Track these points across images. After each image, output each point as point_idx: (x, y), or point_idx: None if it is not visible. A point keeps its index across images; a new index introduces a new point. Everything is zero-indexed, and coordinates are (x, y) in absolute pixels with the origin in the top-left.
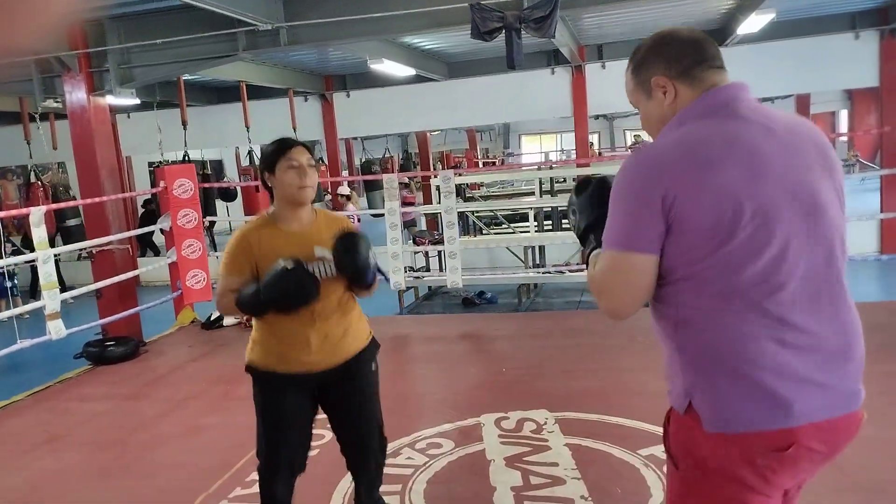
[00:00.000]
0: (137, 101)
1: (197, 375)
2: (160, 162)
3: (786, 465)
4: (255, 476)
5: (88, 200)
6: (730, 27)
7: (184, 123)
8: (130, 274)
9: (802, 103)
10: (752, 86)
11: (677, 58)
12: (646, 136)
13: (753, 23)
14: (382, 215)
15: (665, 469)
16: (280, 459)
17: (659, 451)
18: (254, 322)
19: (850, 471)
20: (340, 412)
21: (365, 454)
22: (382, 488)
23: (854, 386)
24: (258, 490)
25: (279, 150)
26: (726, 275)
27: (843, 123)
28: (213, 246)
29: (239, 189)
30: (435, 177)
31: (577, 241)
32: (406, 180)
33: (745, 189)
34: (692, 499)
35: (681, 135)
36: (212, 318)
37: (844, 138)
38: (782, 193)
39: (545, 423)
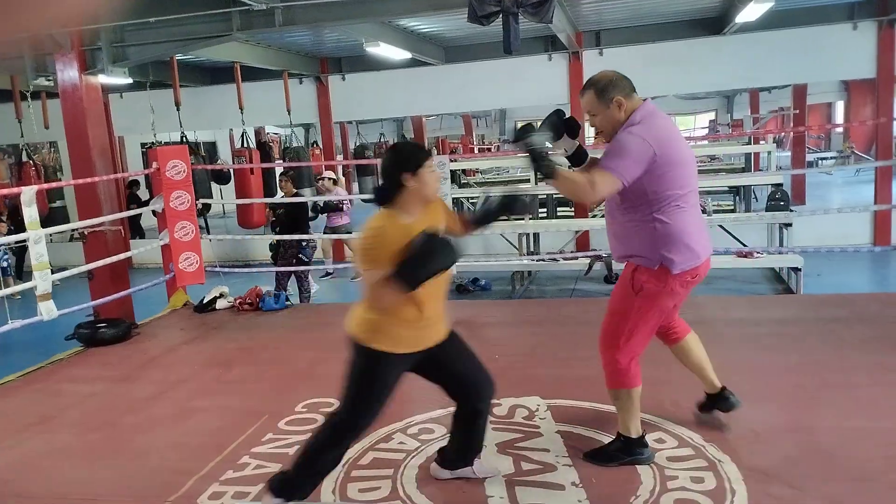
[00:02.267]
0: (130, 81)
1: (189, 358)
2: (153, 143)
3: (690, 285)
4: (246, 459)
5: (80, 181)
6: (728, 16)
7: (177, 104)
8: (123, 255)
9: (799, 93)
10: (748, 76)
11: (625, 87)
12: None
13: (752, 11)
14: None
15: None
16: (368, 427)
17: (650, 439)
18: (367, 308)
19: (840, 461)
20: (454, 360)
21: (489, 379)
22: (373, 472)
23: (709, 243)
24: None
25: (425, 154)
26: (680, 192)
27: (839, 114)
28: (207, 229)
29: (232, 171)
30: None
31: (535, 152)
32: None
33: (685, 148)
34: (641, 305)
35: (650, 124)
36: (204, 301)
37: (840, 129)
38: (688, 150)
39: (537, 410)
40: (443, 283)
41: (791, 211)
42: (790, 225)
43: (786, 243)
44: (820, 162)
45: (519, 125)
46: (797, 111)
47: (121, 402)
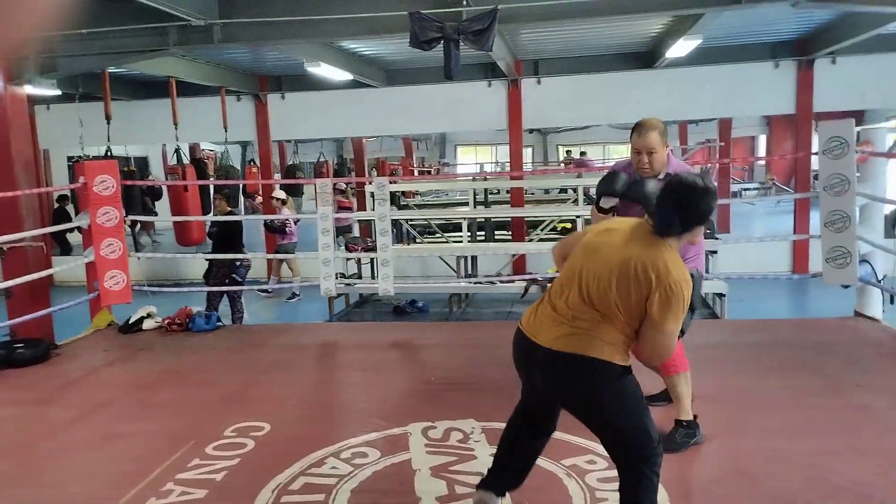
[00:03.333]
0: (58, 93)
1: (112, 380)
2: (80, 157)
3: None
4: (171, 486)
5: (1, 194)
6: (659, 50)
7: (108, 117)
8: (44, 273)
9: (725, 127)
10: (677, 108)
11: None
12: (575, 153)
13: (681, 47)
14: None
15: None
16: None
17: (581, 461)
18: (611, 330)
19: (762, 481)
20: None
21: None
22: (304, 498)
23: None
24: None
25: None
26: None
27: (761, 148)
28: (135, 246)
29: (165, 188)
30: (369, 183)
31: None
32: (343, 186)
33: None
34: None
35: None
36: (130, 322)
37: (762, 162)
38: None
39: (472, 433)
40: None
41: (717, 239)
42: (716, 252)
43: (711, 270)
44: (743, 192)
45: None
46: (723, 143)
47: (37, 426)
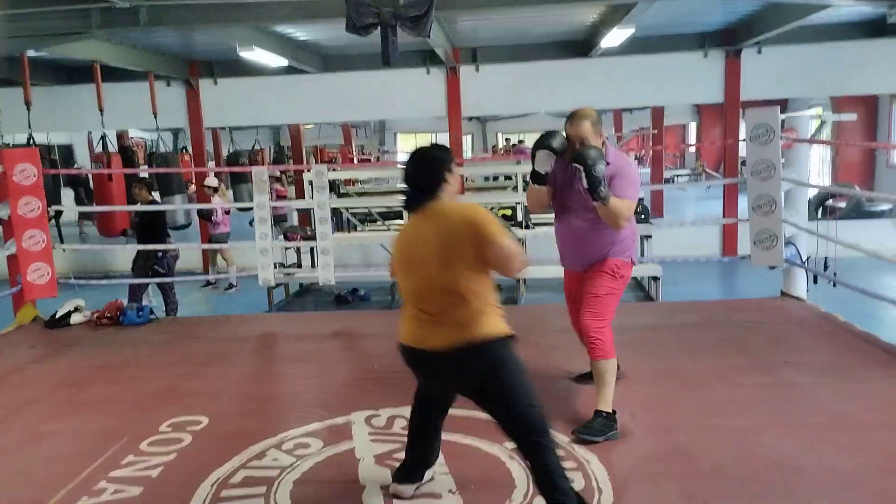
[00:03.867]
0: None
1: (38, 378)
2: None
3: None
4: (103, 484)
5: None
6: (594, 40)
7: (27, 104)
8: None
9: (657, 115)
10: (612, 97)
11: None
12: (514, 139)
13: (615, 37)
14: (251, 209)
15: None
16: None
17: None
18: (476, 296)
19: (697, 457)
20: None
21: None
22: (245, 491)
23: None
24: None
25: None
26: None
27: (692, 135)
28: (60, 237)
29: (90, 177)
30: (308, 171)
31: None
32: (277, 174)
33: None
34: (619, 287)
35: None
36: (57, 316)
37: (693, 149)
38: None
39: None
40: None
41: (651, 223)
42: (650, 237)
43: (646, 254)
44: (676, 178)
45: (559, 137)
46: (655, 131)
47: None
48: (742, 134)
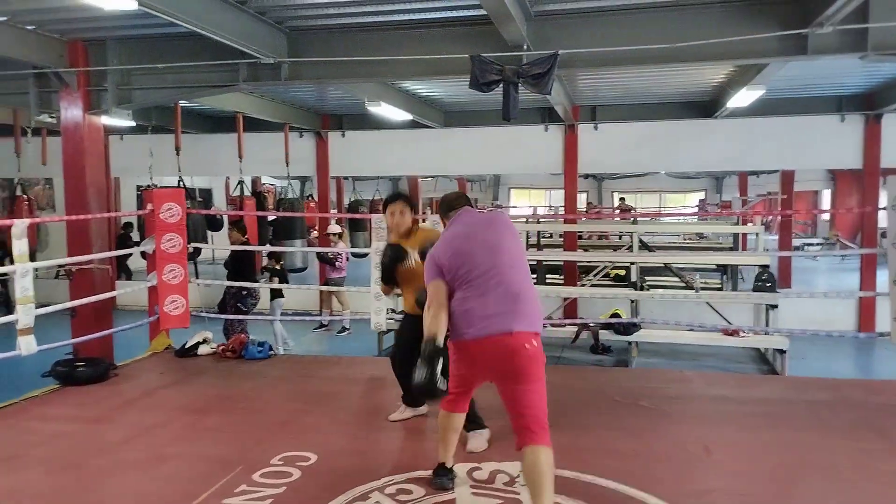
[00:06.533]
0: (132, 124)
1: (166, 403)
2: (149, 185)
3: None
4: None
5: (72, 217)
6: (720, 100)
7: (177, 149)
8: (108, 294)
9: (787, 179)
10: (738, 158)
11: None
12: (629, 199)
13: (743, 97)
14: (367, 255)
15: None
16: None
17: None
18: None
19: None
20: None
21: None
22: None
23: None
24: None
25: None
26: None
27: (825, 202)
28: (196, 273)
29: (226, 218)
30: (423, 221)
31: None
32: None
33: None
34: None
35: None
36: (186, 346)
37: (826, 217)
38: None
39: (518, 477)
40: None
41: (777, 292)
42: (776, 306)
43: (771, 324)
44: (806, 247)
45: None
46: (784, 196)
47: (91, 443)
48: (882, 202)
